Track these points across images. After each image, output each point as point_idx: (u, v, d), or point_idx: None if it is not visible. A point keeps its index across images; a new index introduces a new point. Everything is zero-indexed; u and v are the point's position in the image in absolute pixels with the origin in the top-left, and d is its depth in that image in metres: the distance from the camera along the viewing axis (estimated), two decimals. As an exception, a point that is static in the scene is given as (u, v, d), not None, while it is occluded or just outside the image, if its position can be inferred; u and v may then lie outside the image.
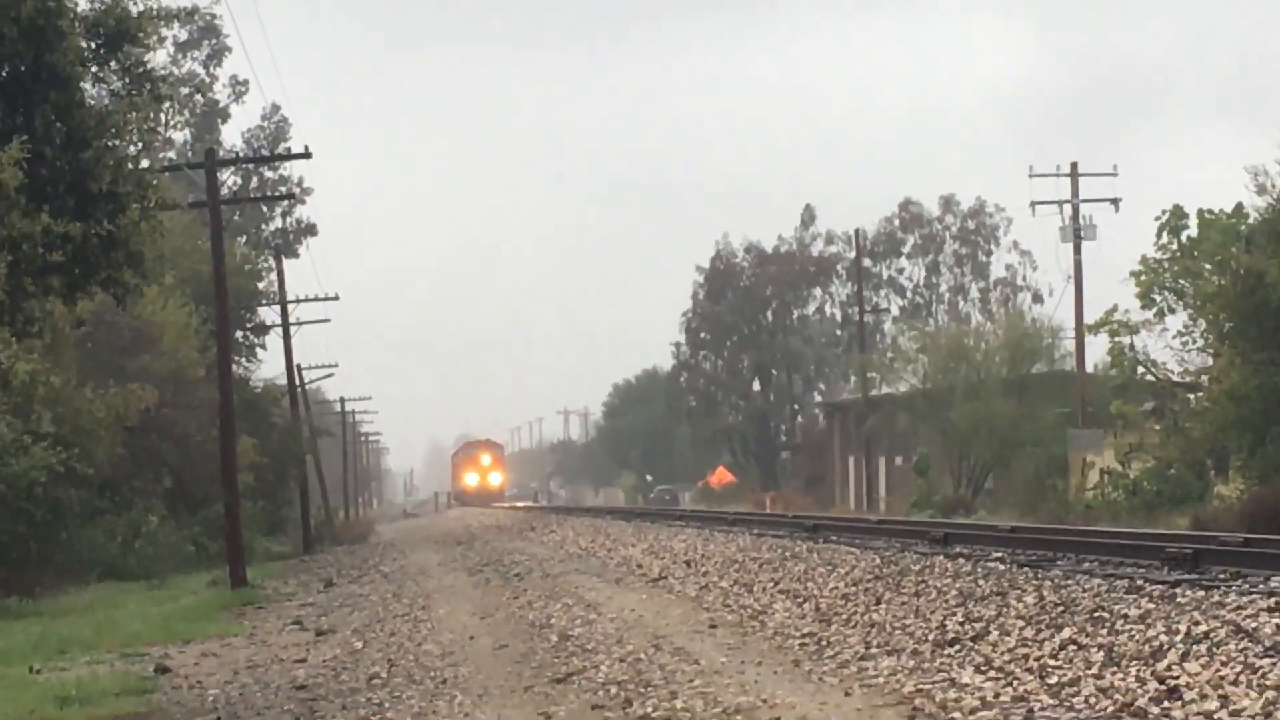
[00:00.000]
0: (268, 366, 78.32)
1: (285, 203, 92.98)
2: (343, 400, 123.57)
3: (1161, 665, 12.90)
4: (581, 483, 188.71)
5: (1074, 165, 66.36)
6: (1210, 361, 50.47)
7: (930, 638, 16.51)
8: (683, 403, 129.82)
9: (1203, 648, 13.15)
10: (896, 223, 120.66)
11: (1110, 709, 12.01)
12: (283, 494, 67.72)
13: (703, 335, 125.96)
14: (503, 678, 17.15)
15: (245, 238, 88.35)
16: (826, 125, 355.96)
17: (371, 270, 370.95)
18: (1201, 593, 15.65)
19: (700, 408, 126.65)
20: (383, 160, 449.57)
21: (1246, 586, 16.16)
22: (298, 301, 70.43)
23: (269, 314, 71.93)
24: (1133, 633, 14.27)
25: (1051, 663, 13.98)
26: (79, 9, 19.53)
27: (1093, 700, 12.38)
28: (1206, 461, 48.96)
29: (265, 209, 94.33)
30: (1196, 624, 13.93)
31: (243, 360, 69.38)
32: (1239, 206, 50.87)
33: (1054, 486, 57.96)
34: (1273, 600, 14.43)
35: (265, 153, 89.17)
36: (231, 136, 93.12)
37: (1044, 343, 72.19)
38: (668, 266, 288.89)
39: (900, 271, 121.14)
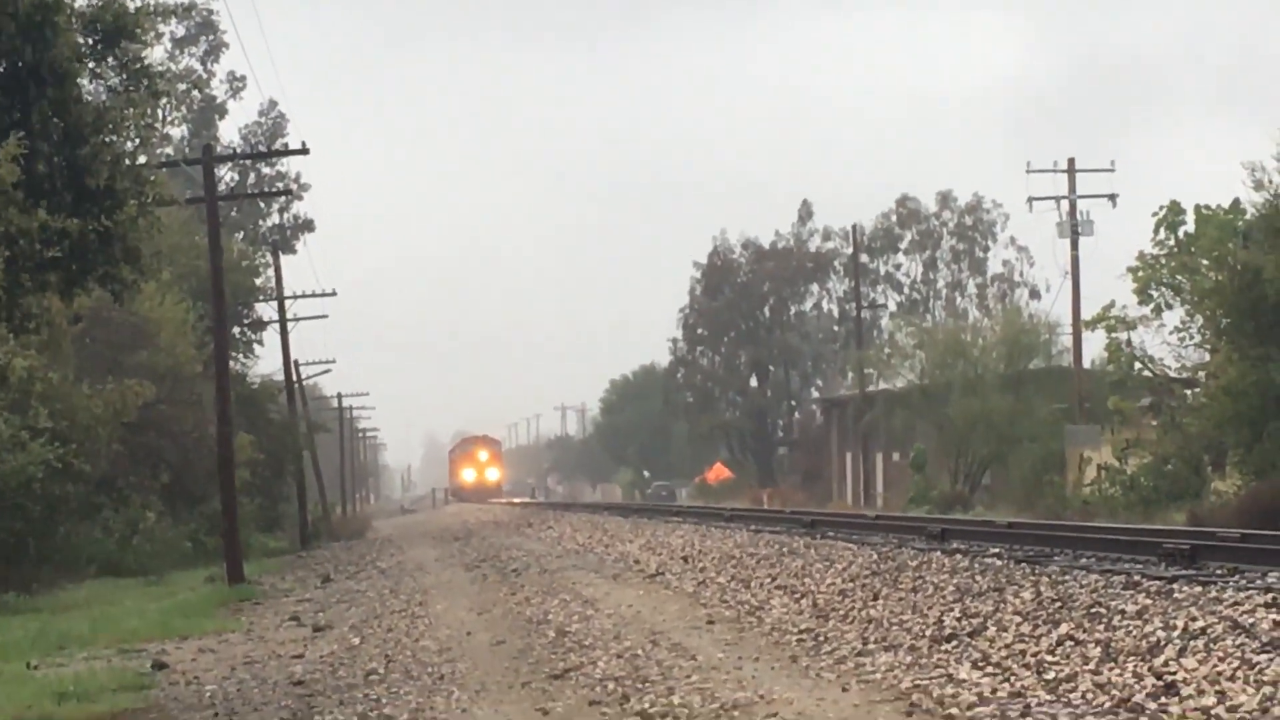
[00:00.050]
0: (265, 363, 78.58)
1: (282, 199, 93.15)
2: (340, 396, 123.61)
3: (1159, 661, 12.90)
4: (579, 479, 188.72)
5: (1071, 161, 66.38)
6: (1207, 357, 50.47)
7: (927, 633, 16.52)
8: (680, 399, 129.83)
9: (1200, 643, 13.16)
10: (894, 218, 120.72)
11: (1107, 704, 12.01)
12: (280, 490, 67.74)
13: (700, 331, 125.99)
14: (500, 673, 17.16)
15: (243, 234, 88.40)
16: (824, 121, 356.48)
17: (369, 266, 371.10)
18: (1199, 588, 15.65)
19: (697, 404, 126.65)
20: (381, 157, 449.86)
21: (1244, 582, 16.16)
22: (295, 298, 70.51)
23: (266, 310, 72.03)
24: (1130, 628, 14.28)
25: (1049, 658, 13.99)
26: (76, 5, 19.50)
27: (1090, 696, 12.39)
28: (1204, 457, 48.96)
29: (263, 205, 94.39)
30: (1194, 620, 13.94)
31: (240, 356, 69.39)
32: (1236, 202, 50.89)
33: (1051, 482, 58.00)
34: (1270, 596, 14.43)
35: (262, 149, 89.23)
36: (229, 132, 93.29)
37: (1041, 338, 72.18)
38: (665, 262, 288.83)
39: (897, 267, 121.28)
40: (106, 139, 19.29)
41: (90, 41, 19.80)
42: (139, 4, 20.17)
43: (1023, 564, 20.25)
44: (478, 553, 43.18)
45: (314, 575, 40.14)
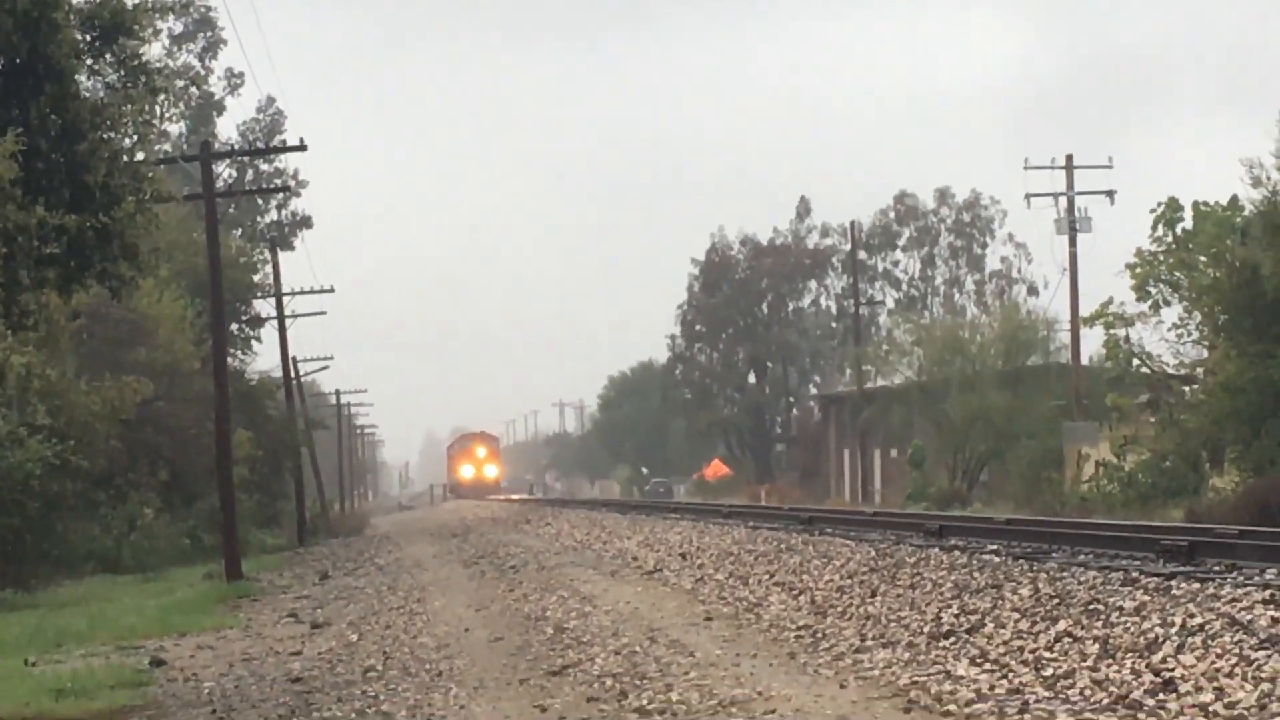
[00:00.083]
0: (263, 359, 78.55)
1: (280, 195, 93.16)
2: (338, 393, 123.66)
3: (1157, 658, 12.90)
4: (577, 475, 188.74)
5: (1069, 158, 66.31)
6: (1205, 354, 50.50)
7: (925, 630, 16.52)
8: (678, 395, 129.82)
9: (1198, 640, 13.16)
10: (892, 215, 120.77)
11: (1105, 701, 12.01)
12: (278, 487, 67.74)
13: (698, 328, 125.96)
14: (498, 670, 17.15)
15: (240, 231, 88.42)
16: (823, 118, 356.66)
17: (368, 264, 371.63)
18: (1197, 585, 15.65)
19: (695, 400, 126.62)
20: (379, 154, 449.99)
21: (1242, 579, 16.15)
22: (293, 294, 70.51)
23: (264, 307, 72.08)
24: (1128, 625, 14.28)
25: (1047, 655, 13.99)
26: (74, 1, 19.50)
27: (1088, 692, 12.39)
28: (1202, 454, 48.97)
29: (260, 202, 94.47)
30: (1192, 616, 13.94)
31: (238, 353, 69.41)
32: (1234, 199, 50.95)
33: (1049, 479, 57.99)
34: (1268, 593, 14.43)
35: (260, 145, 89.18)
36: (227, 129, 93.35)
37: (1039, 335, 72.18)
38: (663, 259, 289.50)
39: (895, 264, 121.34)
40: (104, 135, 19.30)
41: (88, 38, 19.80)
42: (137, 0, 20.17)
43: (1021, 561, 20.25)
44: (476, 549, 43.18)
45: (312, 572, 40.15)
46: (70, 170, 18.87)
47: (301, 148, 46.23)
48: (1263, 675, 11.70)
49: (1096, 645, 13.86)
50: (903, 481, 74.02)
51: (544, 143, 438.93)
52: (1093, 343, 64.05)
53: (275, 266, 70.38)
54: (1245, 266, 42.44)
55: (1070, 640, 14.33)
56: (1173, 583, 16.01)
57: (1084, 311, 62.04)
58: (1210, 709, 11.19)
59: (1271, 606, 13.77)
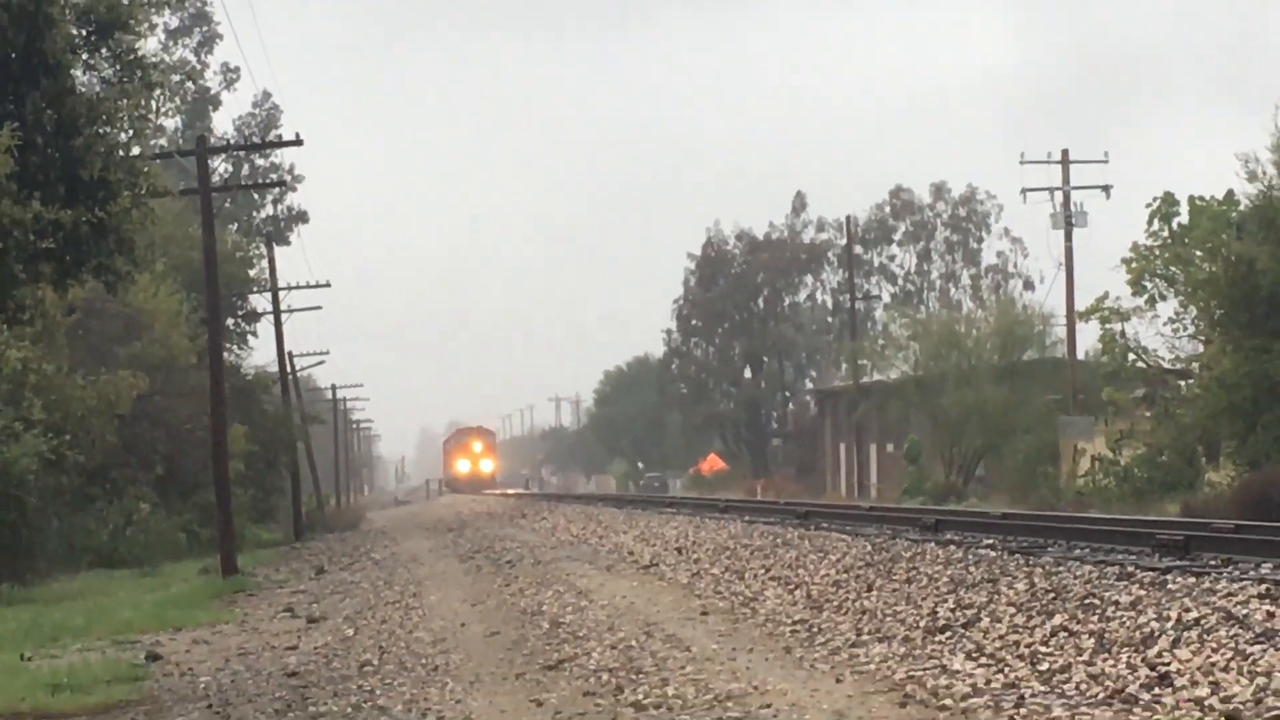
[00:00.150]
0: (259, 354, 78.53)
1: (276, 190, 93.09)
2: (334, 387, 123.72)
3: (1152, 652, 12.91)
4: (573, 470, 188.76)
5: (1065, 152, 66.35)
6: (1201, 348, 50.52)
7: (921, 624, 16.52)
8: (674, 390, 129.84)
9: (1194, 634, 13.17)
10: (888, 210, 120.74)
11: (1101, 695, 12.02)
12: (274, 481, 67.73)
13: (694, 322, 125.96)
14: (494, 665, 17.16)
15: (236, 225, 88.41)
16: (818, 113, 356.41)
17: (364, 258, 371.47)
18: (1192, 579, 15.66)
19: (691, 395, 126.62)
20: (377, 149, 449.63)
21: (1237, 573, 16.17)
22: (289, 289, 70.46)
23: (260, 301, 72.02)
24: (1124, 619, 14.29)
25: (1042, 649, 14.00)
26: (70, -4, 19.49)
27: (1084, 687, 12.40)
28: (1197, 448, 49.02)
29: (256, 196, 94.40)
30: (1187, 611, 13.95)
31: (234, 347, 69.36)
32: (1230, 193, 50.91)
33: (1045, 473, 58.05)
34: (1263, 587, 14.45)
35: (256, 140, 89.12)
36: (223, 124, 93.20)
37: (1035, 330, 72.23)
38: (659, 254, 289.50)
39: (891, 258, 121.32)
40: (100, 130, 19.27)
41: (84, 33, 19.78)
42: (132, -5, 20.15)
43: (1017, 555, 20.27)
44: (472, 544, 43.19)
45: (308, 567, 40.15)
46: (66, 165, 18.85)
47: (297, 142, 46.23)
48: (1258, 669, 11.71)
49: (1092, 640, 13.87)
50: (899, 476, 74.03)
51: (540, 138, 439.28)
52: (1088, 337, 64.12)
53: (271, 261, 70.37)
54: (1241, 261, 42.46)
55: (1066, 634, 14.34)
56: (1168, 577, 16.02)
57: (1080, 306, 62.08)
58: (1206, 703, 11.19)
59: (1267, 601, 13.79)
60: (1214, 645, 12.65)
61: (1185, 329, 52.85)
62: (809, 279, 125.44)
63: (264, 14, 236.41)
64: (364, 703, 15.11)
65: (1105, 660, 13.04)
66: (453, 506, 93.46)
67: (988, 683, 13.06)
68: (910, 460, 71.09)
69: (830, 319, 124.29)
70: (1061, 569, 17.95)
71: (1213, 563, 17.63)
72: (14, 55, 18.60)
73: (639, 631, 18.80)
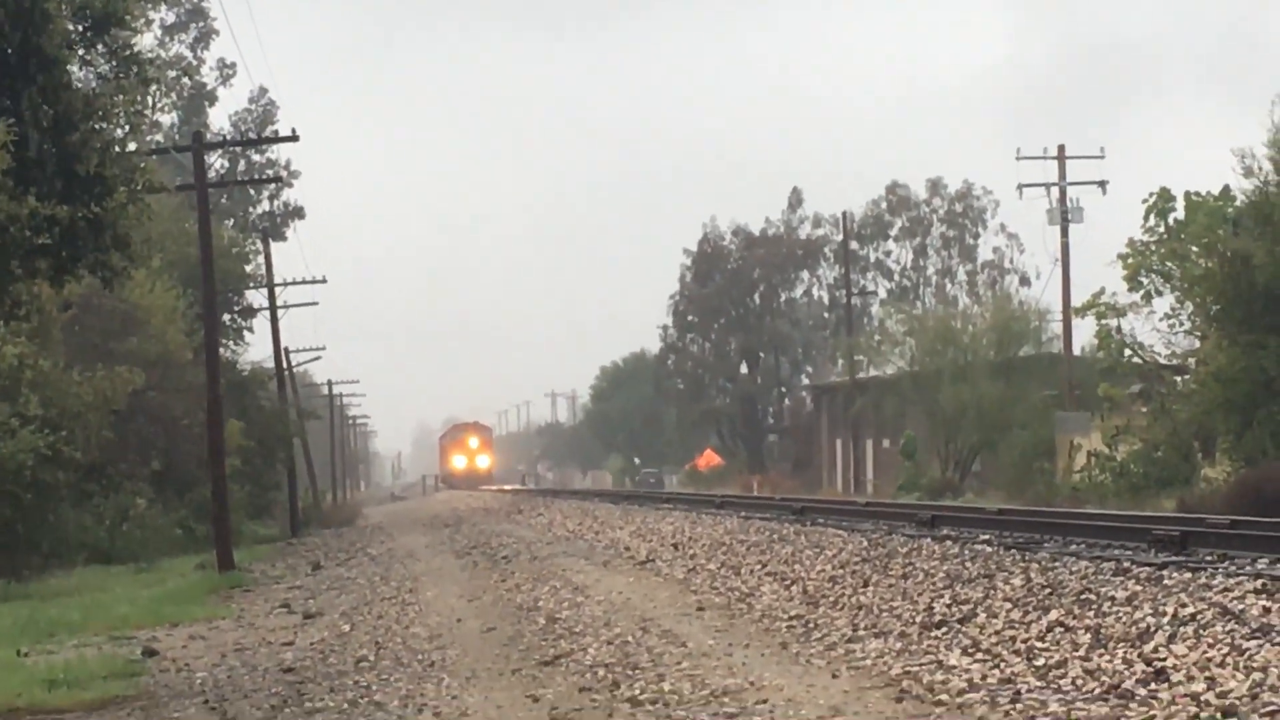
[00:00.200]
0: (255, 349, 78.33)
1: (273, 186, 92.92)
2: (330, 383, 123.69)
3: (1148, 647, 12.92)
4: (569, 465, 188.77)
5: (1061, 148, 66.40)
6: (1197, 344, 50.54)
7: (917, 620, 16.53)
8: (670, 385, 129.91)
9: (1190, 630, 13.18)
10: (884, 205, 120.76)
11: (1097, 691, 12.02)
12: (270, 477, 67.74)
13: (690, 318, 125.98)
14: (490, 660, 17.16)
15: (233, 221, 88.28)
16: (814, 108, 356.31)
17: (360, 254, 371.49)
18: (1188, 575, 15.67)
19: (688, 390, 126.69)
20: (374, 147, 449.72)
21: (1233, 568, 16.18)
22: (285, 284, 70.49)
23: (257, 297, 71.99)
24: (1120, 615, 14.30)
25: (1039, 645, 14.01)
26: (66, -9, 19.45)
27: (1080, 682, 12.40)
28: (1193, 444, 49.03)
29: (253, 192, 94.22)
30: (1183, 606, 13.96)
31: (230, 343, 69.31)
32: (1226, 189, 50.90)
33: (1041, 469, 58.08)
34: (1259, 582, 14.46)
35: (253, 136, 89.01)
36: (219, 120, 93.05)
37: (1031, 325, 72.29)
38: (655, 249, 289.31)
39: (888, 254, 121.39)
40: (96, 126, 19.24)
41: (80, 28, 19.74)
42: (129, -9, 20.11)
43: (1013, 551, 20.28)
44: (468, 540, 43.19)
45: (304, 562, 40.14)
46: (62, 161, 18.82)
47: (294, 138, 46.19)
48: (1254, 665, 11.72)
49: (1088, 635, 13.88)
50: (895, 472, 74.07)
51: (537, 134, 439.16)
52: (1085, 333, 64.17)
53: (267, 257, 70.35)
54: (1237, 257, 42.48)
55: (1062, 630, 14.35)
56: (1164, 572, 16.03)
57: (1076, 302, 62.15)
58: (1202, 698, 11.20)
59: (1263, 596, 13.80)
60: (1210, 641, 12.66)
61: (1181, 324, 52.88)
62: (805, 275, 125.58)
63: (264, 14, 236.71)
64: (360, 698, 15.11)
65: (1101, 656, 13.05)
66: (449, 502, 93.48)
67: (984, 678, 13.07)
68: (906, 456, 71.13)
69: (826, 314, 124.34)
70: (1057, 565, 17.96)
71: (1209, 558, 17.64)
72: (10, 51, 18.57)
73: (635, 627, 18.81)
